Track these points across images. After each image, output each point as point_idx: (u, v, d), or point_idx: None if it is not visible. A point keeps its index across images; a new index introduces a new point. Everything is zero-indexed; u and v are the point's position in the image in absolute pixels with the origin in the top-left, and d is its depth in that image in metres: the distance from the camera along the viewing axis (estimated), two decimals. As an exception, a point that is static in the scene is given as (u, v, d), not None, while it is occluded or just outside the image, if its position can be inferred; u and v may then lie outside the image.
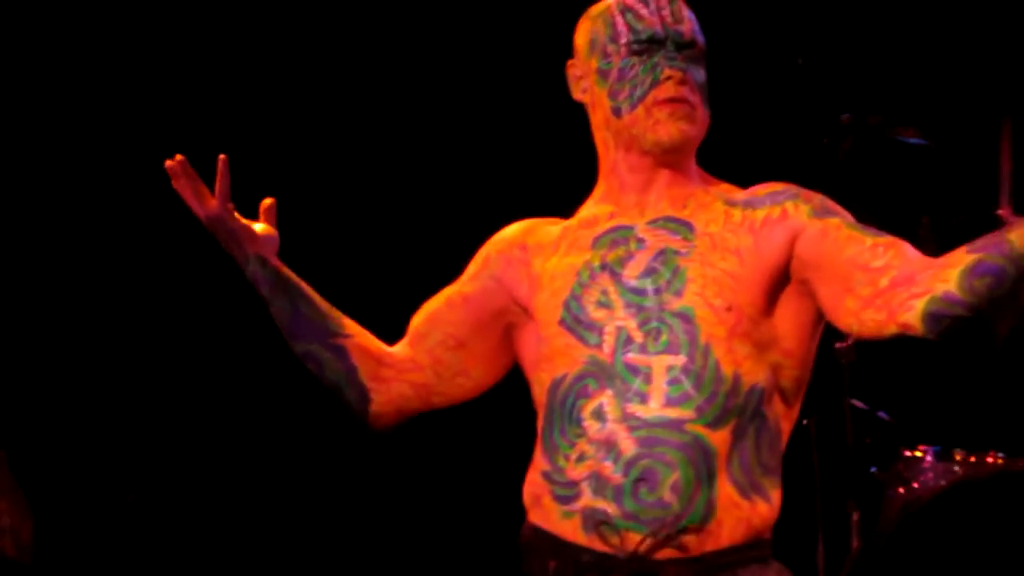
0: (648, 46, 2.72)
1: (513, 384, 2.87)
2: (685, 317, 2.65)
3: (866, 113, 4.52)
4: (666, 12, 2.74)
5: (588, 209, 2.81)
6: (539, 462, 2.68)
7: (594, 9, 2.79)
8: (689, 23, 2.75)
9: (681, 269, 2.67)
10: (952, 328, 2.46)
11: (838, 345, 4.45)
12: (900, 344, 4.93)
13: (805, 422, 4.33)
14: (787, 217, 2.67)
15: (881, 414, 4.75)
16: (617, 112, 2.74)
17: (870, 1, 4.68)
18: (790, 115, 4.59)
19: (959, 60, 5.26)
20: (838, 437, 4.47)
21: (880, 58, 4.68)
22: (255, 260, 2.78)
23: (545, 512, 2.64)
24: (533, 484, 2.67)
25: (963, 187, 4.56)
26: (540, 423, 2.70)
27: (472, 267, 2.87)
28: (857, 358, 4.47)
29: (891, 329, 2.53)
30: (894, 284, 2.51)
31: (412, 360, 2.84)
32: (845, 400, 4.48)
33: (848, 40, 5.00)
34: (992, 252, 2.43)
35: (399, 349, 2.86)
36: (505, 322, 2.83)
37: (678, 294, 2.66)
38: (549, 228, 2.84)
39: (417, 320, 2.86)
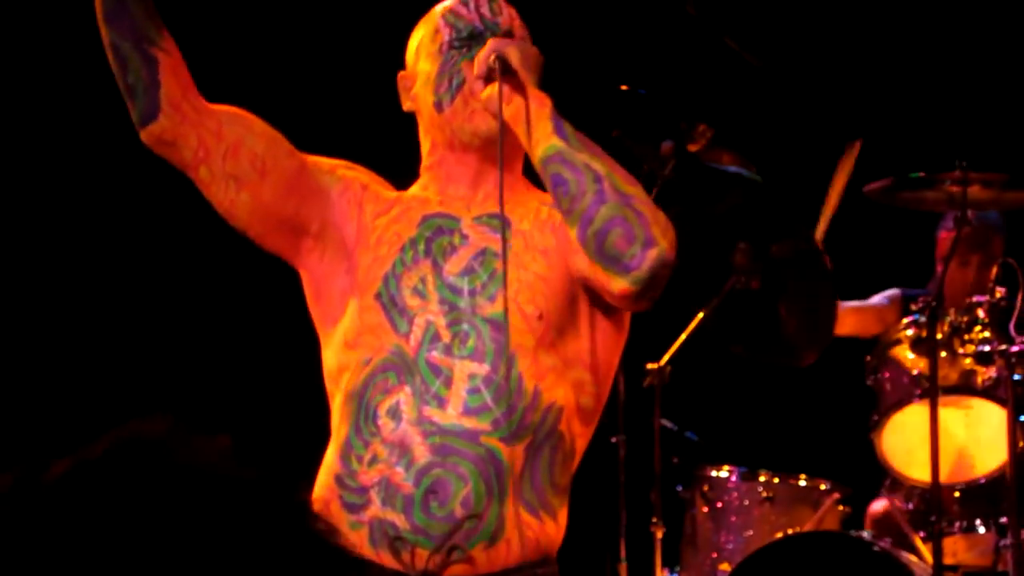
0: (468, 41, 2.72)
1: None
2: (495, 324, 2.63)
3: (686, 141, 4.57)
4: (484, 8, 2.75)
5: (416, 188, 2.78)
6: (332, 463, 2.63)
7: (422, 19, 2.80)
8: (507, 17, 2.75)
9: (498, 273, 2.66)
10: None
11: (649, 366, 4.52)
12: (711, 366, 5.03)
13: (614, 440, 4.38)
14: None
15: (690, 434, 4.83)
16: (439, 106, 2.72)
17: (693, 34, 4.74)
18: (614, 142, 4.63)
19: (783, 88, 5.36)
20: (646, 456, 4.50)
21: (705, 87, 4.75)
22: None
23: (333, 520, 2.50)
24: (323, 488, 2.62)
25: (781, 213, 4.64)
26: (338, 410, 2.64)
27: (323, 161, 2.76)
28: (669, 378, 4.54)
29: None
30: None
31: (217, 123, 2.67)
32: (655, 420, 4.53)
33: (675, 70, 5.07)
34: None
35: (212, 105, 2.69)
36: (306, 222, 2.72)
37: (491, 299, 2.64)
38: (384, 187, 2.79)
39: (252, 116, 2.71)
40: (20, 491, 1.03)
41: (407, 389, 2.62)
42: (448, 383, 2.61)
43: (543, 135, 2.60)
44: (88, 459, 1.04)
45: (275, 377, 5.20)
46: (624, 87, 4.55)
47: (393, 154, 2.94)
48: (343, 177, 2.75)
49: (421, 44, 2.77)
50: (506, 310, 2.63)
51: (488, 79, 2.64)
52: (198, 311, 5.57)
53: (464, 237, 2.70)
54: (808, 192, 5.02)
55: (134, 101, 2.64)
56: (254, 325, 5.44)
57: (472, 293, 2.66)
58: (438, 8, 2.77)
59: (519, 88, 2.63)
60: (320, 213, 2.71)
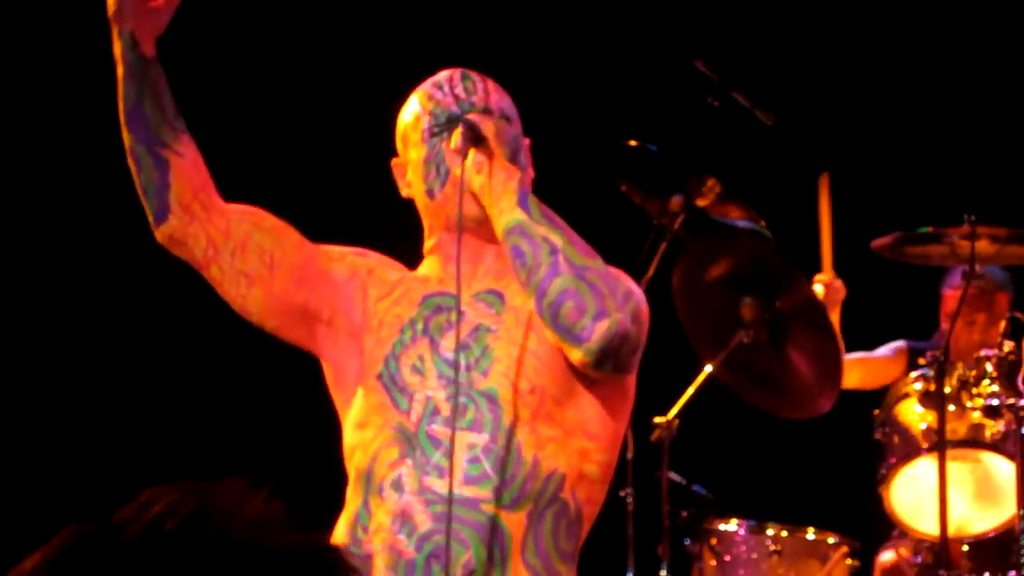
0: (447, 125, 2.73)
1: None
2: (491, 397, 2.66)
3: (694, 196, 4.60)
4: (459, 89, 2.77)
5: (422, 269, 2.82)
6: (340, 535, 2.67)
7: (404, 104, 2.82)
8: (484, 93, 2.77)
9: (489, 348, 2.69)
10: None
11: (657, 419, 4.51)
12: (719, 420, 5.03)
13: (622, 494, 4.38)
14: None
15: (697, 488, 4.81)
16: (431, 194, 2.75)
17: (703, 89, 4.77)
18: (622, 198, 4.66)
19: (791, 137, 5.37)
20: (654, 509, 4.50)
21: (713, 142, 4.78)
22: (126, 37, 2.66)
23: None
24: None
25: (787, 266, 4.66)
26: (351, 488, 2.68)
27: (333, 250, 2.80)
28: (677, 432, 4.53)
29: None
30: None
31: (226, 222, 2.73)
32: (663, 473, 4.53)
33: (684, 125, 5.10)
34: None
35: (224, 204, 2.74)
36: (317, 311, 2.76)
37: (484, 374, 2.67)
38: (391, 269, 2.82)
39: (262, 212, 2.77)
40: (90, 549, 1.04)
41: (408, 462, 2.65)
42: (448, 454, 2.64)
43: (507, 207, 2.65)
44: (163, 528, 1.06)
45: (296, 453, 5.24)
46: (633, 143, 4.59)
47: (401, 236, 2.98)
48: (351, 264, 2.79)
49: (406, 132, 2.80)
50: (456, 379, 2.66)
51: (463, 153, 2.69)
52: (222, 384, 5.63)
53: (461, 314, 2.73)
54: (810, 242, 5.06)
55: (147, 202, 2.71)
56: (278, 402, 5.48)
57: (467, 368, 2.69)
58: (417, 93, 2.79)
59: (488, 161, 2.68)
60: (330, 301, 2.75)
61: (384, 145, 2.88)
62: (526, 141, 2.82)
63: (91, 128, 5.23)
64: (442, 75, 2.79)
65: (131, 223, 2.94)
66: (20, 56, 5.60)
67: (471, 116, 2.71)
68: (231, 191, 2.75)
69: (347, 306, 2.76)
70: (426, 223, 2.82)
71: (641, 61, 5.72)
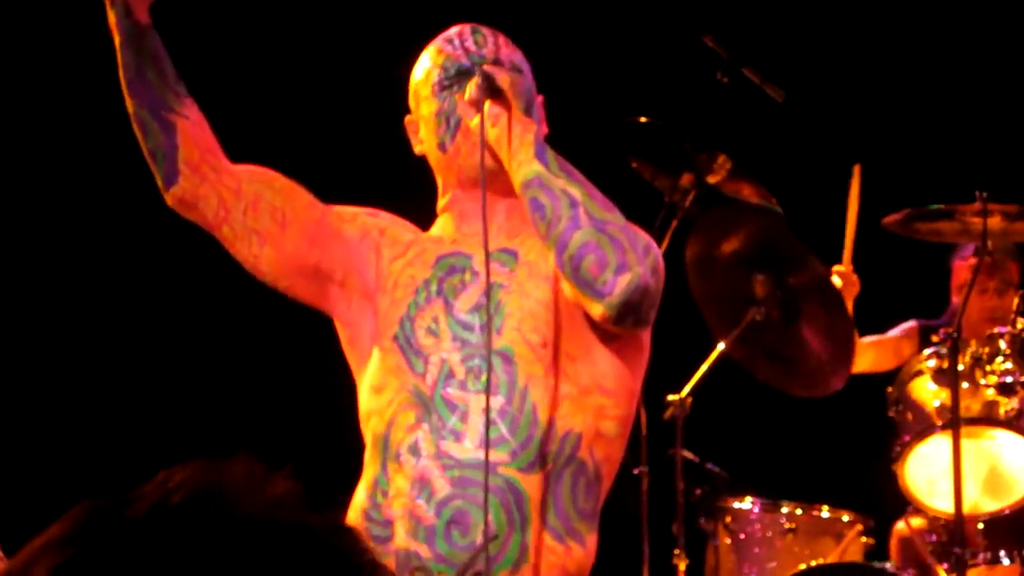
0: (457, 78, 2.74)
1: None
2: (505, 356, 2.67)
3: (705, 173, 4.60)
4: (469, 43, 2.77)
5: (435, 229, 2.81)
6: (360, 500, 2.68)
7: (416, 62, 2.82)
8: (495, 47, 2.77)
9: (502, 305, 2.69)
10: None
11: (670, 398, 4.52)
12: (733, 398, 5.04)
13: (636, 471, 4.39)
14: None
15: (712, 466, 4.81)
16: (443, 147, 2.75)
17: (711, 65, 4.76)
18: (633, 175, 4.66)
19: (804, 114, 5.39)
20: (668, 488, 4.51)
21: (724, 118, 4.77)
22: (119, 6, 2.67)
23: None
24: (351, 522, 2.64)
25: (801, 245, 4.65)
26: (368, 452, 2.69)
27: (345, 210, 2.81)
28: (691, 410, 4.53)
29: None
30: None
31: (236, 181, 2.73)
32: (676, 451, 4.53)
33: (694, 101, 5.09)
34: None
35: (232, 165, 2.75)
36: (330, 271, 2.77)
37: (499, 331, 2.68)
38: (404, 229, 2.82)
39: (272, 172, 2.77)
40: (99, 525, 1.05)
41: (425, 426, 2.66)
42: (464, 418, 2.65)
43: (524, 159, 2.64)
44: (170, 504, 1.07)
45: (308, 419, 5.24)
46: (643, 119, 4.58)
47: (414, 195, 2.98)
48: (363, 224, 2.80)
49: (417, 88, 2.80)
50: (489, 329, 2.66)
51: (477, 104, 2.68)
52: (234, 351, 5.65)
53: (475, 274, 2.73)
54: (821, 220, 5.07)
55: (156, 166, 2.72)
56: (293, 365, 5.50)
57: (482, 328, 2.69)
58: (428, 49, 2.80)
59: (504, 113, 2.67)
60: (342, 261, 2.75)
61: (396, 105, 2.87)
62: (539, 97, 2.81)
63: (88, 116, 5.38)
64: (452, 30, 2.79)
65: (140, 189, 2.95)
66: (19, 51, 5.60)
67: (486, 67, 2.70)
68: (242, 153, 2.75)
69: (360, 266, 2.76)
70: (439, 179, 2.81)
71: (651, 37, 5.70)
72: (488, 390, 2.63)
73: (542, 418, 2.64)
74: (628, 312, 2.58)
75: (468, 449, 2.62)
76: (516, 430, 2.64)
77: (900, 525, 4.96)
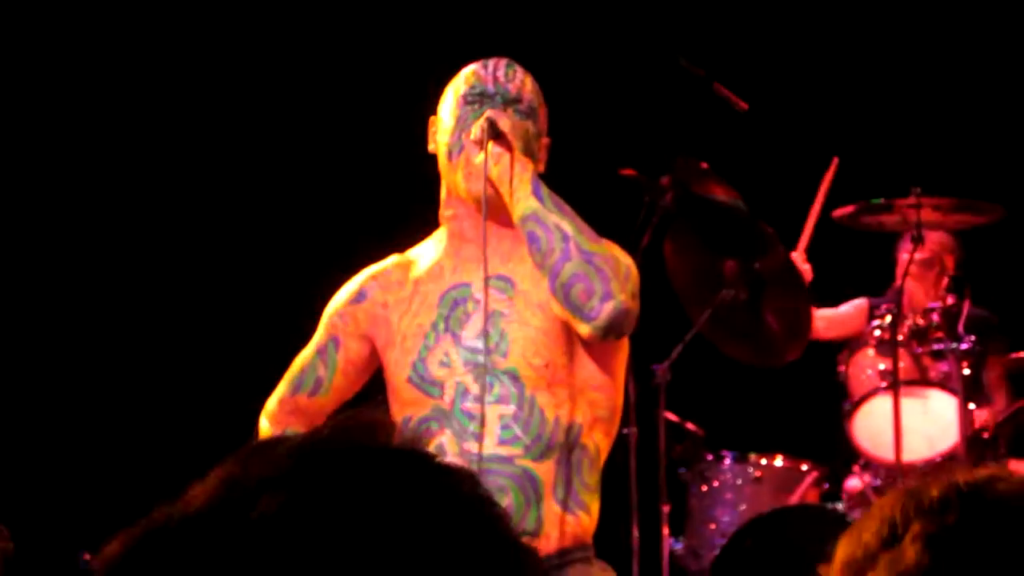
0: (480, 98, 2.86)
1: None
2: (513, 376, 2.83)
3: (682, 175, 4.63)
4: (500, 73, 2.89)
5: (433, 252, 2.95)
6: None
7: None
8: (518, 84, 2.89)
9: (505, 332, 2.83)
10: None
11: (655, 366, 4.71)
12: (708, 367, 5.23)
13: (626, 431, 4.29)
14: None
15: (690, 425, 5.06)
16: (450, 154, 2.88)
17: (687, 82, 4.81)
18: (616, 176, 4.68)
19: (765, 122, 5.35)
20: (653, 444, 4.66)
21: (697, 126, 4.84)
22: None
23: None
24: None
25: (763, 232, 4.72)
26: None
27: (349, 324, 2.96)
28: (672, 377, 4.72)
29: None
30: None
31: (330, 405, 2.98)
32: (660, 413, 4.73)
33: (671, 113, 5.14)
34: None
35: (318, 400, 2.97)
36: (372, 354, 2.98)
37: (504, 355, 2.82)
38: (402, 284, 2.94)
39: (337, 384, 2.97)
40: (156, 537, 0.97)
41: (448, 432, 2.84)
42: (482, 423, 2.82)
43: (523, 195, 2.79)
44: (321, 438, 1.00)
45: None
46: (631, 171, 4.67)
47: (415, 196, 3.14)
48: (370, 314, 2.95)
49: (447, 95, 2.96)
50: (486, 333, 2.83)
51: (481, 144, 2.82)
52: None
53: (476, 302, 2.87)
54: (785, 210, 5.14)
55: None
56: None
57: (488, 352, 2.84)
58: (470, 65, 2.97)
59: (506, 153, 2.82)
60: (372, 349, 3.02)
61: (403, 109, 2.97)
62: (545, 140, 2.95)
63: (88, 116, 5.33)
64: (493, 58, 2.94)
65: (141, 189, 2.78)
66: (19, 51, 5.55)
67: (492, 113, 2.84)
68: (258, 159, 2.74)
69: (375, 342, 3.01)
70: (443, 184, 2.93)
71: (628, 51, 5.72)
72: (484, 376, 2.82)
73: (549, 417, 2.82)
74: (610, 332, 2.78)
75: (488, 447, 2.81)
76: (528, 430, 2.82)
77: (850, 483, 5.12)
